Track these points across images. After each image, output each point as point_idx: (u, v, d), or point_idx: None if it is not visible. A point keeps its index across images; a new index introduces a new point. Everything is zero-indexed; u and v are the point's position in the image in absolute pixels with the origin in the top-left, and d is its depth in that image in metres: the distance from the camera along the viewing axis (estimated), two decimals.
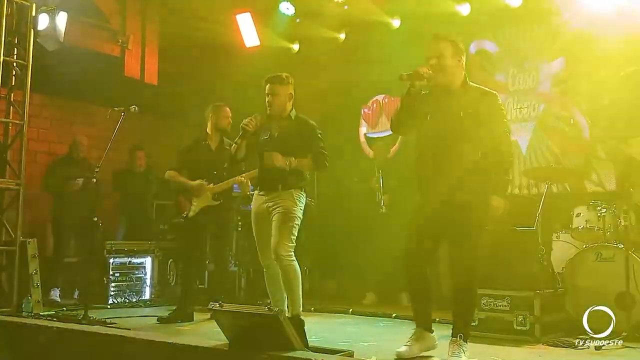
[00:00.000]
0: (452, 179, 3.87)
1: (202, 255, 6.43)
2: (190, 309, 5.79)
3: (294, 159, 4.72)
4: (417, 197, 4.13)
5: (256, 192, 4.95)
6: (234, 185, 5.96)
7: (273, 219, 4.72)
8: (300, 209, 4.78)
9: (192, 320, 5.73)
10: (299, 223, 4.76)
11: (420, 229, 4.05)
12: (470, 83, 4.04)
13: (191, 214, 5.87)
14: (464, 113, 3.88)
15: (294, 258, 4.69)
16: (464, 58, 4.03)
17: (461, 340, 3.95)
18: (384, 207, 7.10)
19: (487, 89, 4.05)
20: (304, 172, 4.84)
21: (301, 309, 4.76)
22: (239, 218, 7.33)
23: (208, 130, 5.97)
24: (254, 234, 4.93)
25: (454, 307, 4.06)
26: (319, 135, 4.86)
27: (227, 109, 6.02)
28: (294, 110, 4.94)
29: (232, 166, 5.86)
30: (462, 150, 3.86)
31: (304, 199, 4.85)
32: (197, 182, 5.83)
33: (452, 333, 4.03)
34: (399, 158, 7.80)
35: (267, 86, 4.87)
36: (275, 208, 4.73)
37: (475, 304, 4.23)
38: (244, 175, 5.68)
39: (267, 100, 4.86)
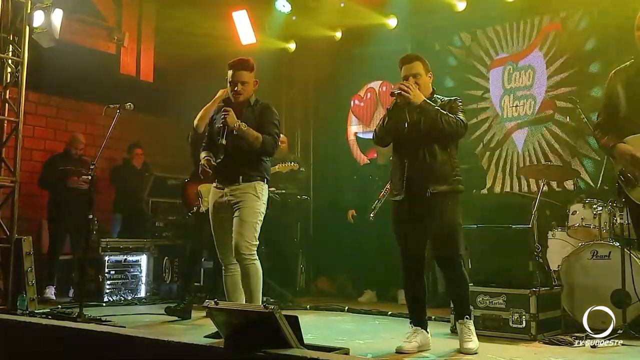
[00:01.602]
0: (426, 175, 4.18)
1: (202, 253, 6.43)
2: (190, 307, 5.80)
3: (244, 124, 4.48)
4: (394, 198, 4.38)
5: (214, 184, 4.70)
6: None
7: (235, 215, 4.47)
8: (264, 203, 4.56)
9: (190, 318, 5.73)
10: (262, 219, 4.56)
11: (405, 228, 4.30)
12: (436, 95, 4.40)
13: (203, 209, 5.76)
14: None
15: (256, 257, 4.49)
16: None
17: (468, 321, 4.19)
18: (372, 216, 6.68)
19: (449, 98, 4.41)
20: (251, 141, 4.51)
21: None
22: None
23: None
24: (212, 229, 4.66)
25: (449, 288, 4.35)
26: (275, 122, 4.66)
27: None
28: (254, 95, 4.73)
29: None
30: (435, 149, 4.20)
31: (267, 191, 4.63)
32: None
33: (455, 317, 4.34)
34: None
35: (236, 73, 4.59)
36: (237, 203, 4.48)
37: (467, 281, 4.32)
38: None
39: (235, 88, 4.60)
